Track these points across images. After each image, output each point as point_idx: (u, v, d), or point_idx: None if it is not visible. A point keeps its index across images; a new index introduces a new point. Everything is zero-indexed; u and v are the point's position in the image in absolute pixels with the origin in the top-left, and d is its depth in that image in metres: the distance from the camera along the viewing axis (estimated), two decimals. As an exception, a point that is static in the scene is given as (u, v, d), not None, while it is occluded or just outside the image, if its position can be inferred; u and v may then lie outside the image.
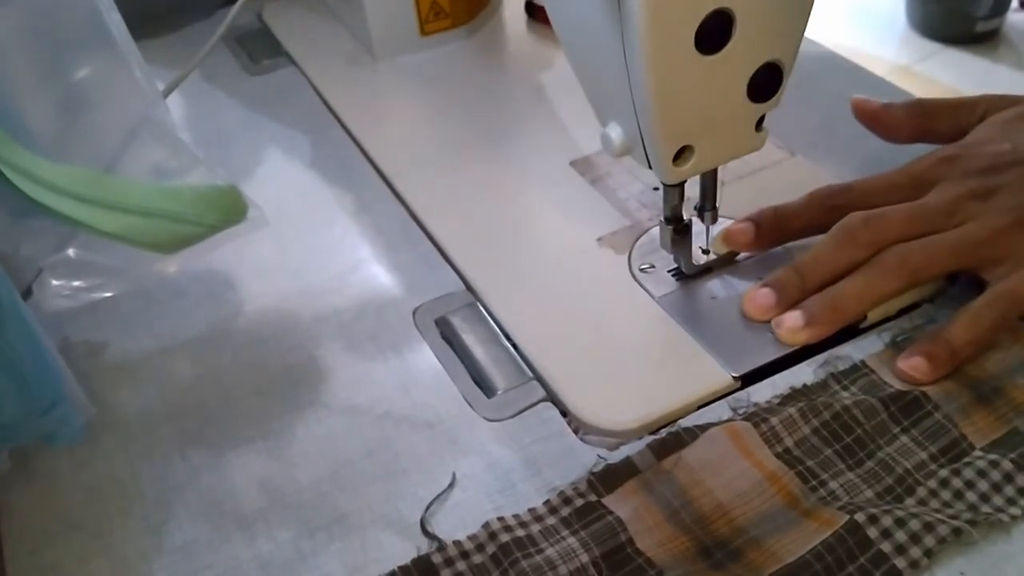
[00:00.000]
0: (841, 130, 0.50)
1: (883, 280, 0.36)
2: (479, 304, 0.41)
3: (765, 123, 0.37)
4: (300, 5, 0.65)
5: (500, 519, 0.32)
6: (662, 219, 0.39)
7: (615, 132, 0.37)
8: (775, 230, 0.40)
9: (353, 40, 0.60)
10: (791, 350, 0.37)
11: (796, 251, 0.41)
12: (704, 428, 0.34)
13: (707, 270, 0.41)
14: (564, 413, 0.36)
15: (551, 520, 0.32)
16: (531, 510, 0.32)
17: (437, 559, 0.31)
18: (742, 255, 0.41)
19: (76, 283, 0.41)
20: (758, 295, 0.38)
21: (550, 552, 0.30)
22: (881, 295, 0.37)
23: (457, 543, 0.31)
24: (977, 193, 0.38)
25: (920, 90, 0.47)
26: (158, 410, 0.38)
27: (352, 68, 0.58)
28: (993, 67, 1.75)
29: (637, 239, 0.43)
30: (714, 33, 0.32)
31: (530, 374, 0.38)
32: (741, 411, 0.35)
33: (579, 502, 0.32)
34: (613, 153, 0.37)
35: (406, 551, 0.32)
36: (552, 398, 0.37)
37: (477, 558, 0.31)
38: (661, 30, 0.31)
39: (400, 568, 0.31)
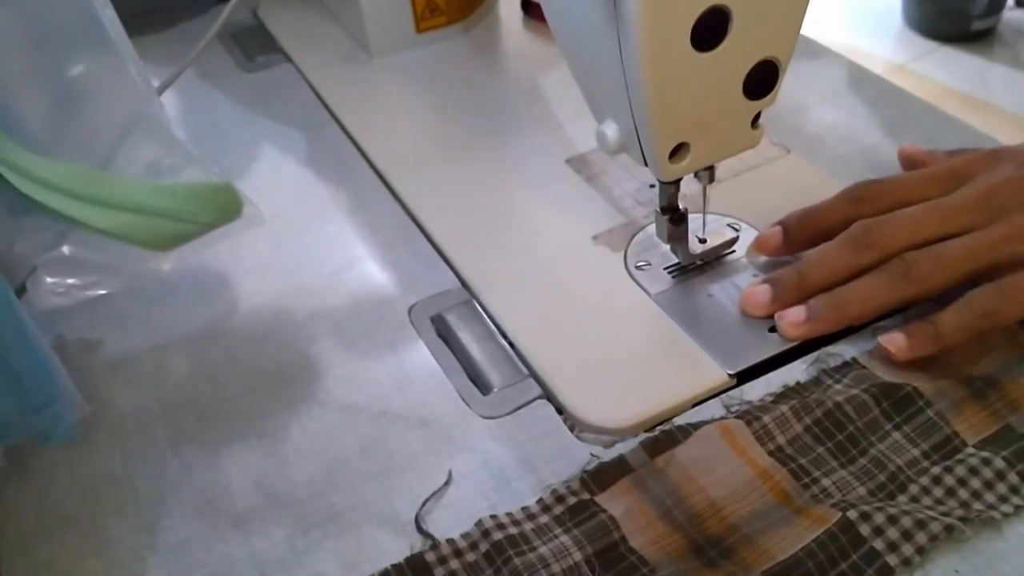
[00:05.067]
0: (837, 128, 0.50)
1: (890, 287, 0.36)
2: (475, 301, 0.41)
3: (761, 120, 0.37)
4: (296, 2, 0.65)
5: (493, 517, 0.32)
6: (657, 209, 0.39)
7: (611, 129, 0.37)
8: (803, 231, 0.39)
9: (349, 37, 0.60)
10: (787, 347, 0.37)
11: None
12: (697, 426, 0.34)
13: (703, 265, 0.41)
14: (560, 411, 0.36)
15: (544, 518, 0.32)
16: (524, 508, 0.32)
17: (430, 557, 0.31)
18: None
19: (70, 280, 0.41)
20: (755, 291, 0.38)
21: (543, 550, 0.30)
22: (886, 302, 0.36)
23: (450, 541, 0.31)
24: (1012, 183, 0.36)
25: (915, 88, 0.47)
26: (152, 408, 0.38)
27: (347, 65, 0.58)
28: (989, 65, 1.75)
29: (633, 236, 0.43)
30: (710, 30, 0.32)
31: (526, 372, 0.38)
32: (734, 409, 0.35)
33: (572, 500, 0.32)
34: (608, 150, 0.37)
35: (401, 549, 0.32)
36: (548, 395, 0.37)
37: (470, 556, 0.31)
38: (657, 27, 0.31)
39: (393, 566, 0.31)
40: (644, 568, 0.30)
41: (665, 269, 0.41)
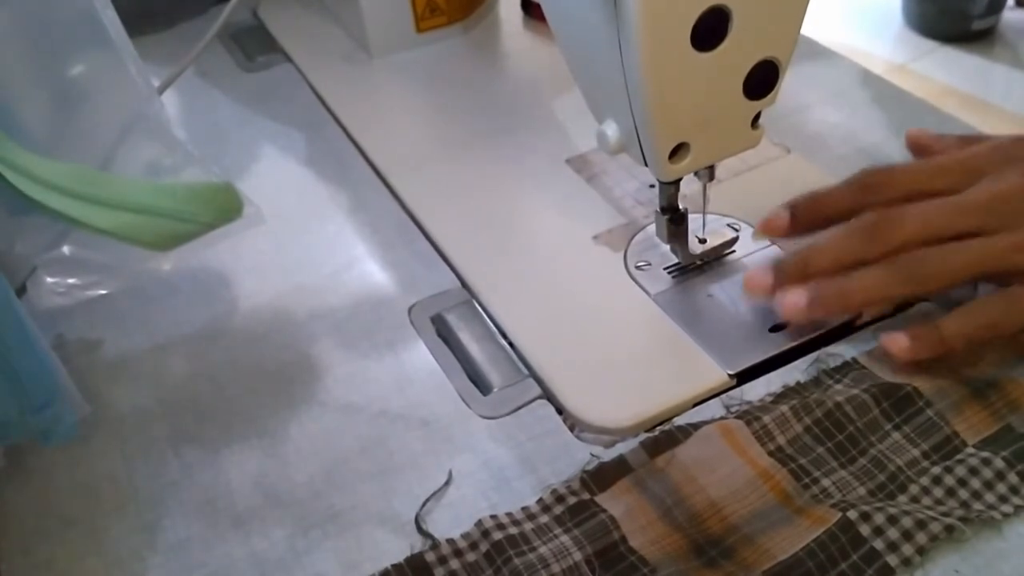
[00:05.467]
0: (837, 128, 0.50)
1: (895, 281, 0.35)
2: (475, 301, 0.41)
3: (761, 120, 0.37)
4: (296, 2, 0.65)
5: (493, 517, 0.32)
6: (657, 209, 0.39)
7: (611, 129, 0.37)
8: (810, 215, 0.39)
9: (349, 37, 0.60)
10: (787, 348, 0.37)
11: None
12: (697, 426, 0.34)
13: (703, 265, 0.41)
14: (560, 411, 0.36)
15: (544, 518, 0.32)
16: (524, 508, 0.32)
17: (430, 557, 0.31)
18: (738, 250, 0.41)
19: (71, 280, 0.41)
20: (758, 272, 0.37)
21: (543, 550, 0.30)
22: (889, 296, 0.36)
23: (450, 541, 0.31)
24: (1022, 190, 0.36)
25: (916, 88, 0.47)
26: (152, 408, 0.38)
27: (348, 65, 0.58)
28: (989, 65, 1.75)
29: (633, 236, 0.43)
30: (710, 30, 0.32)
31: (526, 372, 0.38)
32: (734, 409, 0.35)
33: (572, 500, 0.32)
34: (609, 150, 0.37)
35: (400, 549, 0.32)
36: (548, 396, 0.37)
37: (470, 556, 0.31)
38: (657, 27, 0.31)
39: (393, 566, 0.31)
40: (644, 568, 0.30)
41: (665, 269, 0.41)
